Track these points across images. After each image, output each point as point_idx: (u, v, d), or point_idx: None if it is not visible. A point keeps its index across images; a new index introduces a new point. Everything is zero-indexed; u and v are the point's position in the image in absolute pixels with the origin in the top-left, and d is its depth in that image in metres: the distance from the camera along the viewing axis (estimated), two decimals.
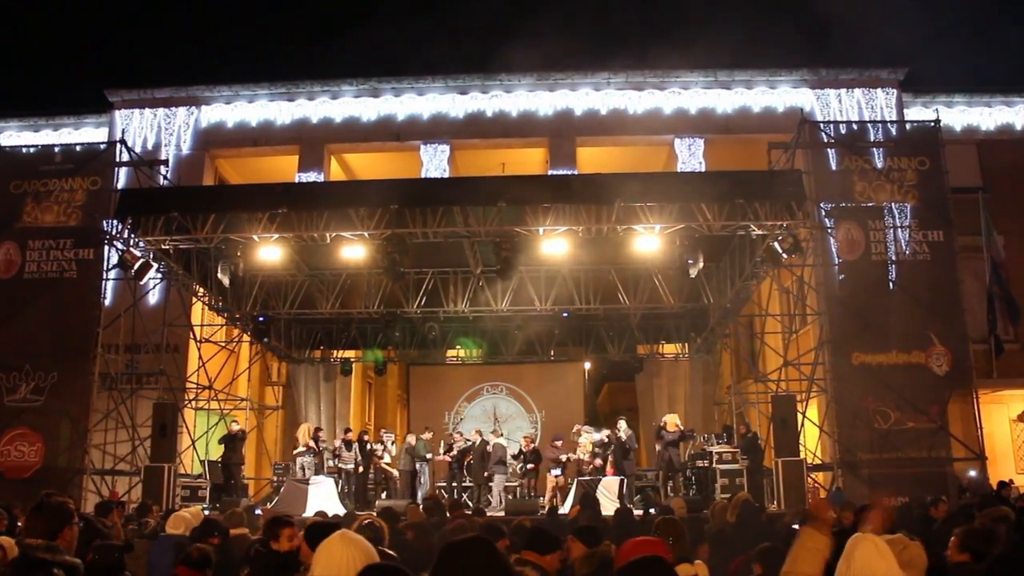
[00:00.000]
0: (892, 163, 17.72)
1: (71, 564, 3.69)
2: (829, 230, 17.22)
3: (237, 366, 21.05)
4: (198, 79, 22.65)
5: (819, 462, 17.36)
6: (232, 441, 17.61)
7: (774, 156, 17.19)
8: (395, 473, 18.36)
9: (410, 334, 20.09)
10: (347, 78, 22.13)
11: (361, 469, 17.73)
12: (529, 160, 21.62)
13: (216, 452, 18.83)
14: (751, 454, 16.80)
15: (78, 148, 18.70)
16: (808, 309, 17.51)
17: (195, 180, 20.96)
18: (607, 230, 14.94)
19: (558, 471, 17.52)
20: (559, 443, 17.80)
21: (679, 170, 20.23)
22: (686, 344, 21.23)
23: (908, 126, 19.11)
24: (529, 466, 17.77)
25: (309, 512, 13.84)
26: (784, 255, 14.95)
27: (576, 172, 20.58)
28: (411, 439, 18.24)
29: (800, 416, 16.40)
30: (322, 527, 4.58)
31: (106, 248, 16.88)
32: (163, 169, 18.48)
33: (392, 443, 19.01)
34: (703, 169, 20.34)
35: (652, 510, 13.82)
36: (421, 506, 11.90)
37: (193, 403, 19.20)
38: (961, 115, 21.92)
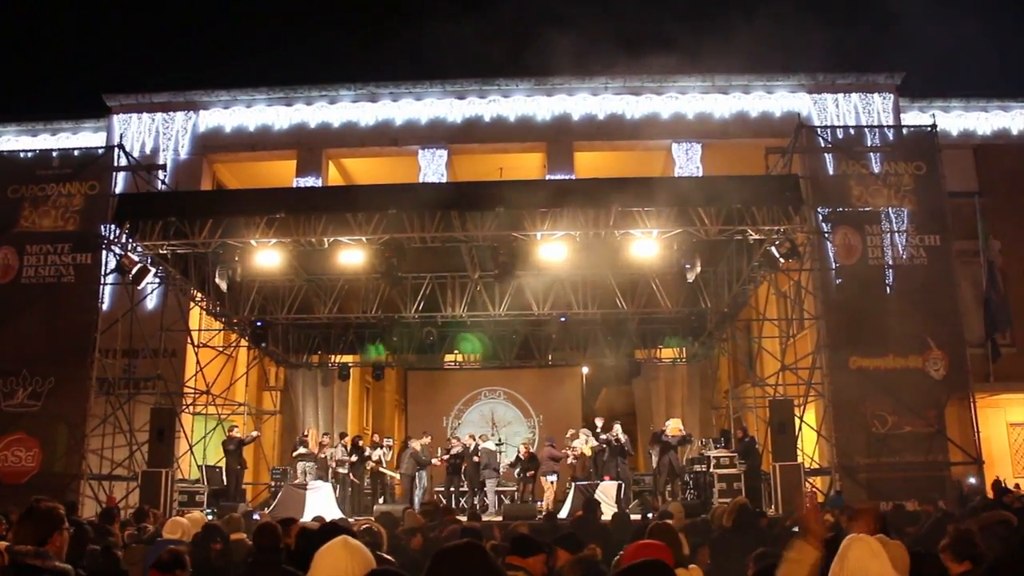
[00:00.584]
0: (889, 168, 17.79)
1: (61, 570, 3.68)
2: (826, 235, 17.28)
3: (235, 371, 21.04)
4: (196, 84, 22.68)
5: (817, 466, 17.38)
6: (240, 446, 17.68)
7: (771, 161, 17.22)
8: (391, 478, 18.40)
9: (408, 339, 20.07)
10: (345, 83, 22.16)
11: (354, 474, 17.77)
12: (527, 165, 21.65)
13: (214, 457, 18.84)
14: (748, 458, 16.81)
15: (76, 153, 18.74)
16: (805, 313, 17.53)
17: (193, 185, 20.96)
18: (604, 235, 14.95)
19: (553, 477, 17.55)
20: (552, 447, 17.90)
21: (677, 175, 20.26)
22: (684, 348, 21.23)
23: (905, 131, 19.18)
24: (528, 473, 17.78)
25: (307, 517, 13.84)
26: (781, 260, 14.97)
27: (574, 177, 20.61)
28: (415, 444, 18.26)
29: (798, 420, 16.42)
30: (320, 532, 4.59)
31: (104, 253, 16.88)
32: (161, 174, 18.49)
33: (388, 448, 19.03)
34: (701, 174, 20.37)
35: (650, 514, 13.85)
36: (419, 511, 11.91)
37: (191, 408, 19.18)
38: (958, 120, 21.95)
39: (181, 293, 17.77)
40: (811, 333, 17.88)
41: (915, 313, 16.72)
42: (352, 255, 15.98)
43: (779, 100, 21.05)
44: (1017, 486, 17.84)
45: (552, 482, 17.59)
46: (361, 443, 18.54)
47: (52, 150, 19.31)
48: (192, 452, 18.52)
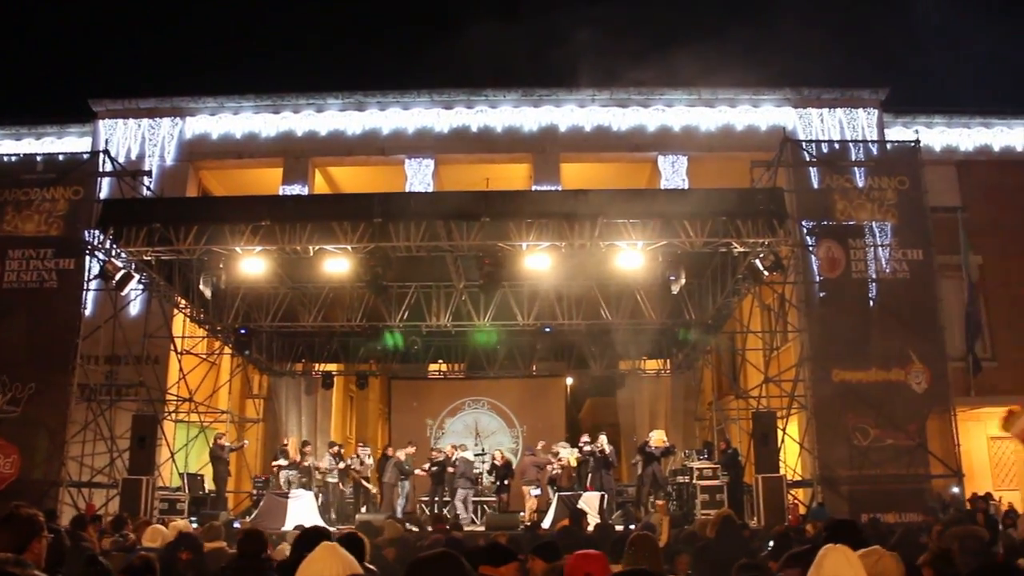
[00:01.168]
0: (873, 182, 17.92)
1: None
2: (810, 248, 17.37)
3: (218, 378, 20.95)
4: (183, 90, 22.69)
5: (799, 478, 17.43)
6: (228, 454, 17.64)
7: (756, 174, 17.33)
8: (372, 487, 18.38)
9: (392, 348, 20.03)
10: (333, 91, 22.18)
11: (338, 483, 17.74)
12: (513, 175, 21.69)
13: (196, 465, 18.73)
14: (731, 470, 16.86)
15: (60, 157, 18.60)
16: (789, 326, 17.62)
17: (179, 191, 20.90)
18: (590, 246, 14.99)
19: (537, 491, 17.56)
20: (535, 455, 17.92)
21: (662, 187, 20.34)
22: (668, 360, 21.28)
23: (888, 146, 19.33)
24: (504, 481, 17.80)
25: (288, 526, 13.78)
26: (765, 272, 15.05)
27: (560, 188, 20.66)
28: (400, 454, 18.26)
29: (781, 432, 16.48)
30: (310, 536, 4.59)
31: (87, 258, 16.78)
32: (146, 180, 18.40)
33: (368, 457, 18.98)
34: (686, 186, 20.46)
35: (632, 525, 13.87)
36: (401, 521, 11.90)
37: (173, 415, 19.07)
38: (941, 135, 22.16)
39: (165, 300, 17.68)
40: (795, 346, 17.97)
41: (898, 327, 16.84)
42: (337, 264, 15.97)
43: (765, 114, 21.20)
44: (999, 499, 18.01)
45: (536, 495, 17.60)
46: (343, 452, 18.50)
47: (37, 154, 19.14)
48: (174, 460, 18.41)
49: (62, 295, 16.93)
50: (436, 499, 18.29)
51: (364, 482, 18.54)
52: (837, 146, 18.95)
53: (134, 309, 18.53)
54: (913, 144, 18.40)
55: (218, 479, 17.45)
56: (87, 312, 17.28)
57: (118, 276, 15.37)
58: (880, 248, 17.45)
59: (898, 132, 21.28)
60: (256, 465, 21.20)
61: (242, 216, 15.13)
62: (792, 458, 17.84)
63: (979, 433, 21.98)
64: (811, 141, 19.13)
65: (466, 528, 15.75)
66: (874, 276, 17.29)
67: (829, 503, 15.89)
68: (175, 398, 18.78)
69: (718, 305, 17.11)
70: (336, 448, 18.63)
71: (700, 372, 21.36)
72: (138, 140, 21.89)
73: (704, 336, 18.42)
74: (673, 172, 20.80)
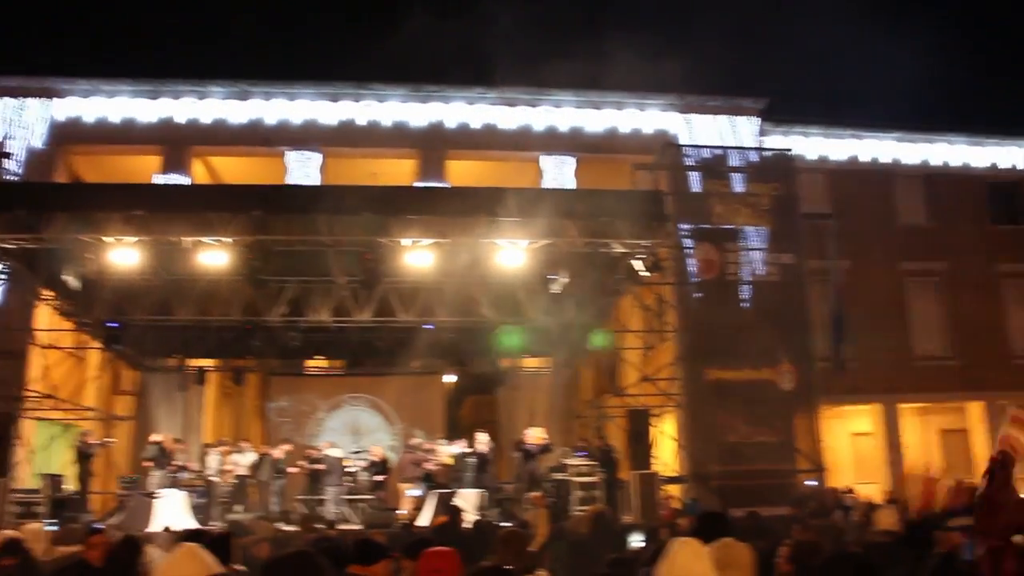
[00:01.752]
0: (749, 188, 18.54)
1: None
2: (688, 250, 17.83)
3: (84, 374, 20.05)
4: (54, 69, 21.54)
5: (674, 475, 17.87)
6: (88, 453, 16.86)
7: (638, 177, 17.68)
8: (246, 485, 17.94)
9: (270, 343, 19.58)
10: (215, 79, 21.50)
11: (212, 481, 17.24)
12: (400, 171, 21.48)
13: (57, 464, 17.90)
14: (607, 467, 17.12)
15: None
16: (666, 326, 18.03)
17: (46, 177, 19.90)
18: (472, 243, 15.02)
19: (417, 491, 17.48)
20: (414, 453, 17.84)
21: (547, 187, 20.49)
22: (548, 358, 21.44)
23: (766, 154, 19.99)
24: (378, 478, 17.66)
25: (156, 527, 13.31)
26: (644, 273, 15.37)
27: (446, 185, 20.60)
28: (276, 452, 17.88)
29: (656, 430, 16.87)
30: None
31: None
32: (7, 162, 17.44)
33: (244, 455, 18.50)
34: (572, 187, 20.67)
35: (509, 523, 13.94)
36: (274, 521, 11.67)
37: (32, 412, 18.13)
38: (815, 145, 23.03)
39: (27, 291, 16.82)
40: (671, 345, 18.41)
41: (768, 328, 17.47)
42: (215, 256, 15.53)
43: (650, 118, 21.53)
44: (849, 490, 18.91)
45: (414, 493, 17.50)
46: (216, 450, 18.00)
47: None
48: (32, 460, 17.50)
49: None
50: (312, 497, 17.97)
51: (238, 480, 18.07)
52: (718, 152, 19.50)
53: None
54: (788, 153, 19.10)
55: (82, 479, 16.70)
56: None
57: None
58: (754, 252, 18.05)
59: (776, 141, 21.95)
60: (125, 464, 20.38)
61: (115, 204, 14.61)
62: (668, 454, 18.28)
63: (842, 430, 23.05)
64: (693, 146, 19.64)
65: (341, 527, 15.57)
66: (748, 278, 17.89)
67: (701, 498, 16.34)
68: (35, 395, 17.86)
69: (598, 304, 17.38)
70: (224, 446, 18.12)
71: (579, 370, 21.62)
72: (5, 121, 20.73)
73: (589, 336, 18.67)
74: (559, 172, 20.96)
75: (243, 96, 21.38)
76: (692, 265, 17.84)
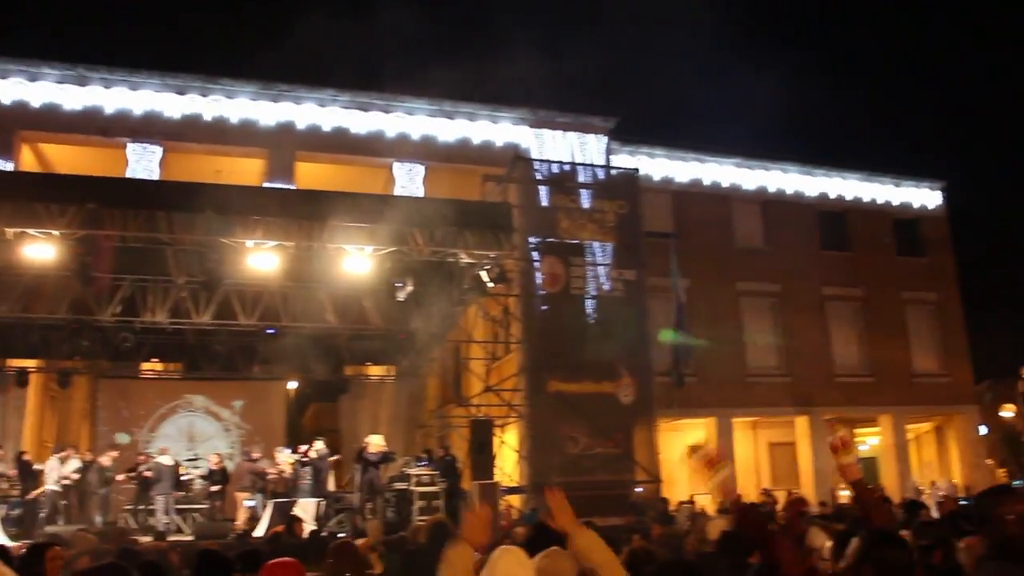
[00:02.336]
0: (596, 204, 18.96)
1: None
2: (535, 263, 18.05)
3: None
4: None
5: (515, 485, 18.02)
6: None
7: (488, 188, 17.83)
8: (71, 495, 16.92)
9: (101, 344, 18.57)
10: (49, 60, 20.26)
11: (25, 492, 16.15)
12: (246, 170, 20.83)
13: None
14: (449, 477, 17.12)
15: None
16: (511, 337, 18.20)
17: None
18: (318, 248, 14.76)
19: (253, 502, 16.97)
20: (255, 459, 17.33)
21: (397, 194, 20.35)
22: (392, 367, 21.25)
23: (613, 171, 20.50)
24: (215, 488, 17.04)
25: None
26: (490, 284, 15.49)
27: (294, 187, 20.13)
28: (103, 459, 16.93)
29: (499, 440, 16.97)
30: None
31: None
32: None
33: (65, 462, 17.42)
34: (422, 195, 20.59)
35: (344, 533, 13.72)
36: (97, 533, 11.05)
37: None
38: (660, 166, 23.84)
39: None
40: (516, 356, 18.59)
41: (610, 341, 17.88)
42: (41, 249, 14.67)
43: (502, 130, 21.71)
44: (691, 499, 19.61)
45: (250, 504, 16.99)
46: (28, 458, 16.88)
47: None
48: None
49: None
50: (141, 507, 17.13)
51: (61, 489, 17.00)
52: (567, 167, 19.86)
53: None
54: (634, 172, 19.66)
55: None
56: None
57: None
58: (599, 267, 18.47)
59: (623, 159, 22.56)
60: None
61: None
62: (510, 465, 18.42)
63: (679, 442, 23.86)
64: (543, 161, 19.93)
65: (171, 537, 14.92)
66: (592, 293, 18.28)
67: (541, 509, 16.50)
68: None
69: (444, 314, 17.38)
70: (65, 452, 16.98)
71: (424, 380, 21.54)
72: None
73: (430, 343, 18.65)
74: (409, 180, 20.83)
75: (80, 81, 20.22)
76: (538, 278, 18.06)
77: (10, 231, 14.06)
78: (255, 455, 18.03)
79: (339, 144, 20.83)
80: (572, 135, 22.04)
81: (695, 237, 22.95)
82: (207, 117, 20.54)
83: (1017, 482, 34.65)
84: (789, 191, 25.51)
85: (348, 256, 15.05)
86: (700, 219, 23.54)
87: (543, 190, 18.63)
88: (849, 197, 26.31)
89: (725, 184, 24.66)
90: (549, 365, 17.55)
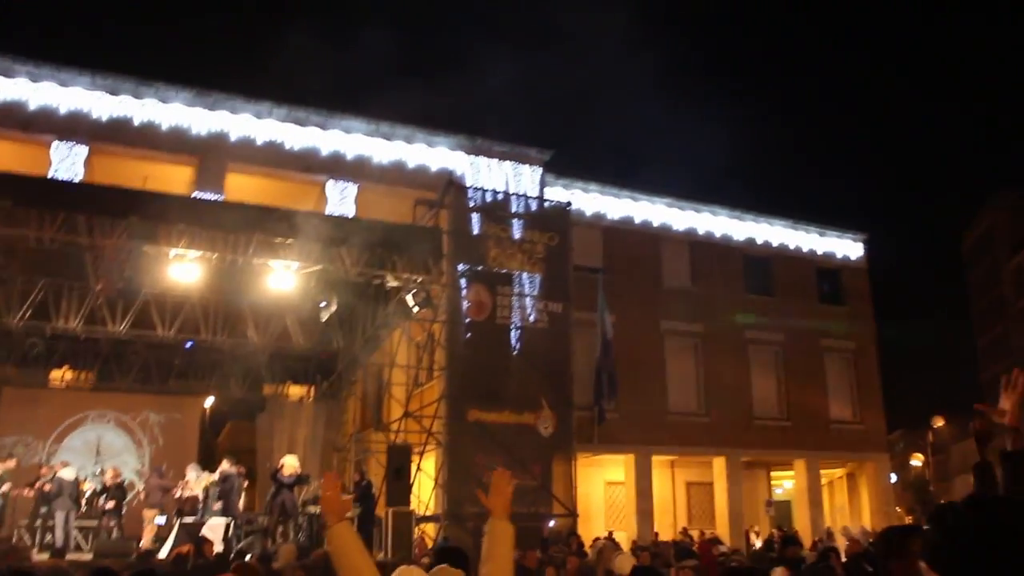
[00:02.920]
0: (527, 235, 19.02)
1: None
2: (462, 290, 17.99)
3: None
4: None
5: (430, 513, 17.83)
6: None
7: (419, 212, 17.74)
8: None
9: (7, 349, 17.87)
10: None
11: None
12: (175, 178, 20.31)
13: None
14: (364, 502, 16.84)
15: None
16: (434, 363, 18.07)
17: None
18: (242, 261, 14.49)
19: (162, 519, 16.44)
20: (162, 477, 16.79)
21: (328, 212, 20.07)
22: (312, 387, 20.89)
23: (545, 203, 20.60)
24: (110, 504, 16.45)
25: None
26: (415, 308, 15.36)
27: (223, 198, 19.72)
28: None
29: (417, 467, 16.78)
30: None
31: None
32: None
33: None
34: (353, 214, 20.34)
35: (251, 555, 13.37)
36: None
37: None
38: (593, 201, 24.00)
39: None
40: (438, 383, 18.46)
41: (533, 373, 17.88)
42: None
43: (438, 155, 21.54)
44: (610, 534, 19.67)
45: (158, 522, 16.47)
46: None
47: None
48: None
49: None
50: (39, 523, 16.42)
51: None
52: (500, 196, 19.89)
53: None
54: (566, 205, 19.78)
55: None
56: None
57: None
58: (525, 298, 18.49)
59: (557, 192, 22.67)
60: None
61: None
62: (427, 493, 18.23)
63: (598, 478, 23.94)
64: (477, 188, 19.91)
65: (69, 555, 14.37)
66: (517, 324, 18.28)
67: (456, 538, 16.33)
68: None
69: (367, 336, 17.18)
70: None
71: (344, 402, 21.21)
72: None
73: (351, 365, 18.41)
74: (342, 198, 20.54)
75: (5, 72, 19.57)
76: (464, 305, 17.99)
77: None
78: (164, 471, 17.50)
79: (273, 158, 20.46)
80: (507, 164, 21.99)
81: (623, 274, 23.14)
82: (138, 120, 20.02)
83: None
84: (718, 234, 25.94)
85: (273, 272, 14.78)
86: (629, 256, 23.76)
87: (475, 217, 18.63)
88: (775, 243, 26.87)
89: (656, 223, 24.95)
90: (470, 393, 17.46)
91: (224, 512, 16.44)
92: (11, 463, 16.48)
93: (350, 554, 3.08)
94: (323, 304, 15.13)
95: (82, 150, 19.74)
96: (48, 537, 16.07)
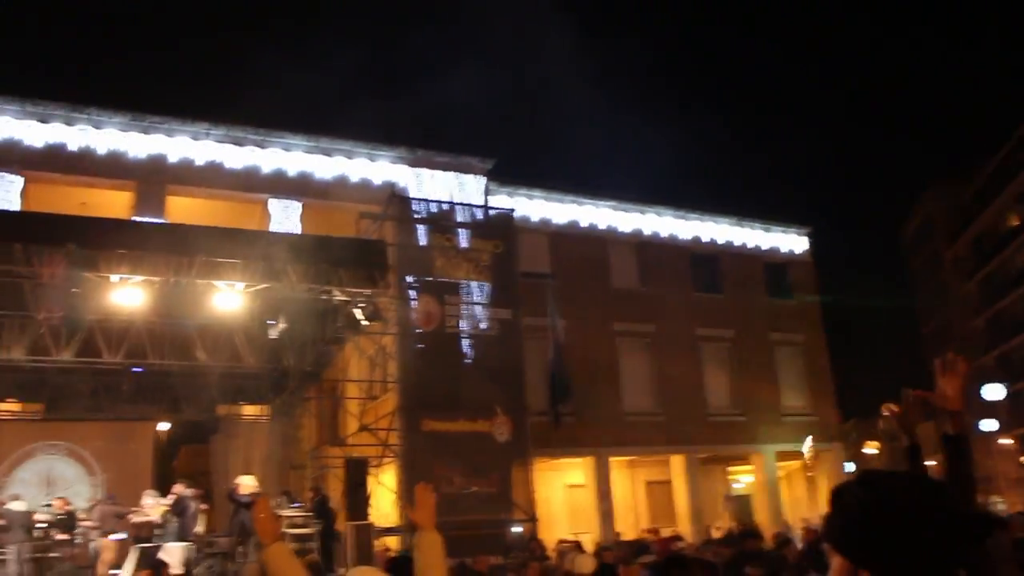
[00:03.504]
0: (472, 244, 19.12)
1: None
2: (411, 301, 18.02)
3: None
4: None
5: (392, 525, 17.78)
6: None
7: (364, 226, 17.75)
8: None
9: None
10: None
11: None
12: (114, 203, 20.08)
13: None
14: (323, 518, 16.75)
15: None
16: (387, 376, 18.06)
17: None
18: (187, 283, 14.38)
19: (123, 535, 16.18)
20: (115, 504, 16.56)
21: (272, 230, 19.96)
22: (266, 406, 20.71)
23: (490, 211, 20.71)
24: (63, 536, 16.18)
25: None
26: (364, 322, 15.37)
27: (165, 221, 19.52)
28: None
29: (375, 480, 16.74)
30: None
31: None
32: None
33: None
34: (298, 231, 20.26)
35: None
36: None
37: None
38: (538, 208, 24.15)
39: None
40: (392, 395, 18.45)
41: (485, 381, 17.97)
42: None
43: (380, 169, 21.54)
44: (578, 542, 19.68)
45: (119, 539, 16.20)
46: None
47: None
48: None
49: None
50: None
51: None
52: (445, 207, 19.97)
53: None
54: (511, 212, 19.92)
55: None
56: None
57: None
58: (475, 306, 18.57)
59: (501, 200, 22.76)
60: None
61: None
62: (388, 506, 18.18)
63: (558, 481, 24.04)
64: (421, 200, 19.96)
65: None
66: (467, 332, 18.35)
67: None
68: None
69: (318, 352, 17.12)
70: None
71: (299, 419, 21.06)
72: None
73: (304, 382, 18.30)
74: (285, 216, 20.44)
75: None
76: (413, 316, 18.02)
77: None
78: (117, 498, 17.22)
79: (213, 179, 20.31)
80: (451, 175, 22.08)
81: (573, 278, 23.31)
82: (72, 147, 19.76)
83: None
84: (664, 234, 26.26)
85: (219, 292, 14.68)
86: (577, 260, 23.95)
87: (420, 229, 18.68)
88: (721, 241, 27.27)
89: (602, 226, 25.18)
90: (424, 404, 17.49)
91: (181, 536, 16.25)
92: None
93: (286, 571, 3.21)
94: (272, 322, 15.06)
95: (16, 179, 19.45)
96: (1, 570, 15.75)
